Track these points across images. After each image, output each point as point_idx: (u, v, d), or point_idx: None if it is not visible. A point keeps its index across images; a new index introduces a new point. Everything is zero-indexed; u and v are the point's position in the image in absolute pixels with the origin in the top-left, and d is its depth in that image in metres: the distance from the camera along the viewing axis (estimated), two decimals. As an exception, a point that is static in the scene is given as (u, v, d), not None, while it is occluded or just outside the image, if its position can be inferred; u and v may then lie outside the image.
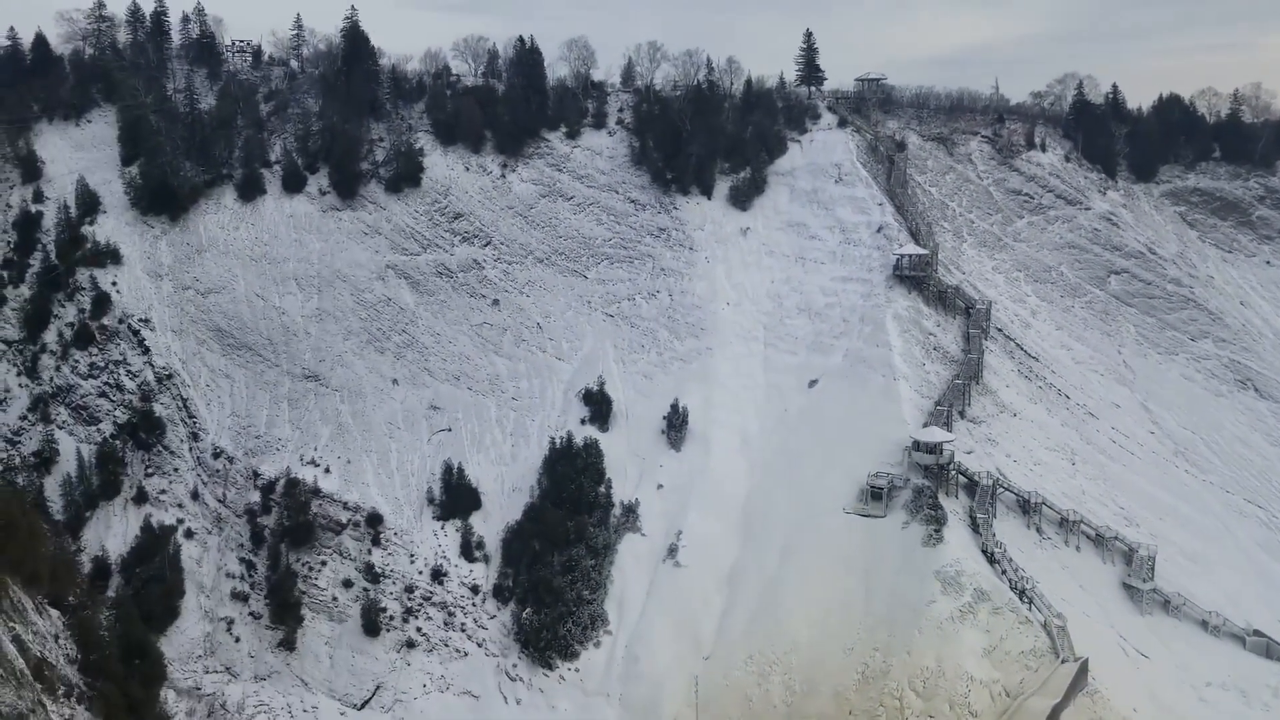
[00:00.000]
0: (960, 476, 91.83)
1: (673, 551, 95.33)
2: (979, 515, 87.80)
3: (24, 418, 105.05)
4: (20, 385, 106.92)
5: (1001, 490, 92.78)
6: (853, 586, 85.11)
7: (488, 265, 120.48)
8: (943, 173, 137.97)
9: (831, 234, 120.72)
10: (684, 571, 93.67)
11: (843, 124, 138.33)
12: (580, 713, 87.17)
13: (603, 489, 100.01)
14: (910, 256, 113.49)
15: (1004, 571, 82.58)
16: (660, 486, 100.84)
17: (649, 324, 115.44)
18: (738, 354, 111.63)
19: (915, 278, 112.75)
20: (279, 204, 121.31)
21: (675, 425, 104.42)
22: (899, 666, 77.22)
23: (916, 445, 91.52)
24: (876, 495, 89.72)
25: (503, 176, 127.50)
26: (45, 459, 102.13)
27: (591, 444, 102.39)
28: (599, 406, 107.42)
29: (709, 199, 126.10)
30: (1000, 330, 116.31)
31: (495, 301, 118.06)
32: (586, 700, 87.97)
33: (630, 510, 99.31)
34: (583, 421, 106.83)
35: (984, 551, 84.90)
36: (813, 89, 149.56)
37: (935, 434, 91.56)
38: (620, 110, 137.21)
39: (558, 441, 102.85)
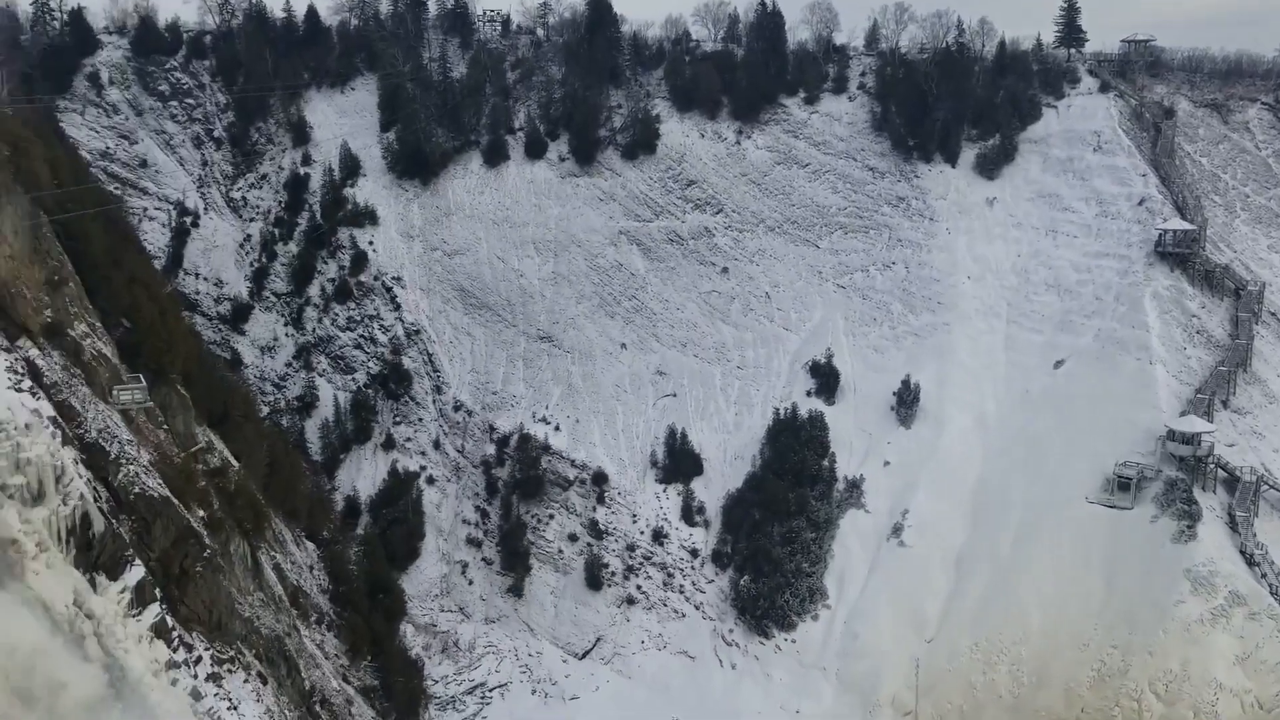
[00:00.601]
0: (1219, 471, 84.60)
1: (898, 530, 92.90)
2: (1238, 513, 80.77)
3: (289, 365, 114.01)
4: (287, 335, 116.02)
5: (1266, 488, 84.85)
6: (1092, 580, 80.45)
7: (718, 233, 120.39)
8: (1215, 142, 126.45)
9: (1086, 206, 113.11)
10: (909, 551, 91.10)
11: (1104, 89, 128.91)
12: (796, 683, 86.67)
13: (826, 463, 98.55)
14: (1174, 232, 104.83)
15: (1264, 575, 75.80)
16: (887, 464, 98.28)
17: (882, 296, 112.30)
18: (977, 330, 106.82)
19: (1179, 255, 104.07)
20: (521, 170, 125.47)
21: (906, 402, 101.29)
22: (1139, 667, 72.55)
23: (1172, 435, 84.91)
24: (1124, 485, 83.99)
25: (737, 143, 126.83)
26: (307, 404, 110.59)
27: (816, 417, 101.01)
28: (826, 379, 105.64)
29: (953, 167, 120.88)
30: (1274, 315, 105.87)
31: (724, 269, 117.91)
32: (803, 672, 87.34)
33: (854, 486, 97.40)
34: (808, 393, 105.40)
35: (1242, 552, 78.26)
36: (1072, 51, 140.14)
37: (1194, 423, 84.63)
38: (862, 74, 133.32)
39: (782, 412, 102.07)
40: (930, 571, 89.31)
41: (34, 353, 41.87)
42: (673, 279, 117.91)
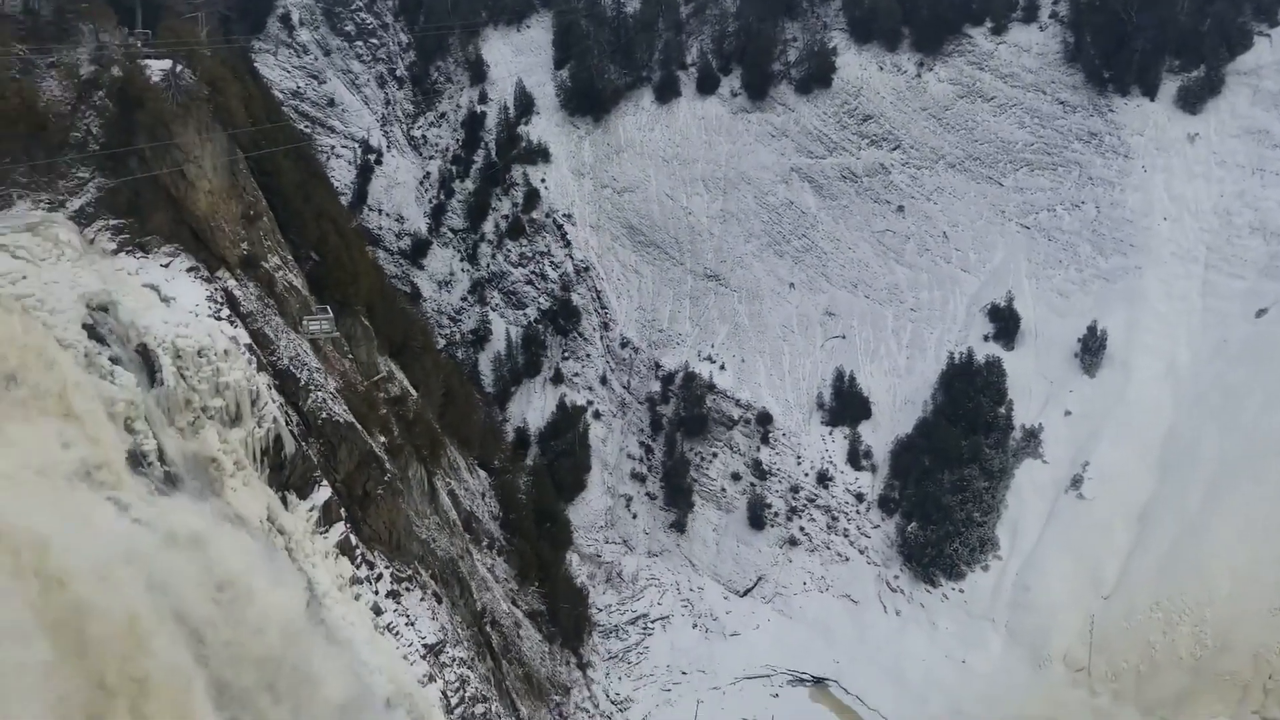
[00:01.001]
0: None
1: (1077, 482, 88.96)
2: None
3: (464, 299, 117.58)
4: (463, 270, 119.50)
5: None
6: (1290, 543, 75.20)
7: (895, 170, 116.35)
8: None
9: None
10: (1088, 505, 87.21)
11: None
12: (962, 633, 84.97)
13: (1003, 410, 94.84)
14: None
15: None
16: (1068, 413, 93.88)
17: (1069, 237, 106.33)
18: (1172, 275, 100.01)
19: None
20: (692, 106, 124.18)
21: (1091, 349, 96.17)
22: (1339, 637, 67.70)
23: (1391, 391, 77.95)
24: (1332, 443, 77.80)
25: (918, 76, 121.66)
26: (480, 337, 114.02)
27: (994, 362, 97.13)
28: (1005, 323, 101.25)
29: (1151, 101, 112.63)
30: None
31: (900, 208, 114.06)
32: (970, 622, 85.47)
33: (1032, 435, 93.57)
34: (985, 338, 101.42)
35: None
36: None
37: None
38: (1054, 2, 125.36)
39: (957, 357, 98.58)
40: (1110, 526, 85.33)
41: (231, 283, 44.33)
42: (845, 217, 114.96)
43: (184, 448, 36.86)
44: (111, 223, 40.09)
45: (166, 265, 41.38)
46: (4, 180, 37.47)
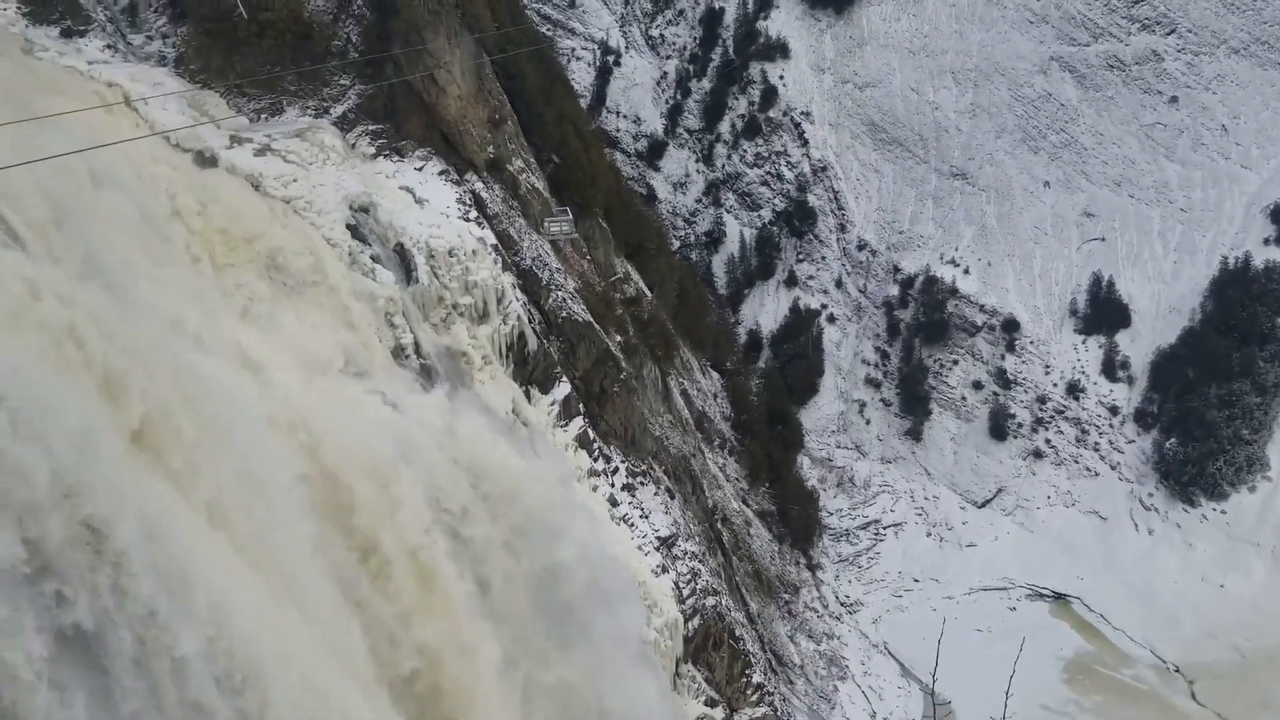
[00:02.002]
0: None
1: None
2: None
3: (699, 200, 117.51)
4: (698, 171, 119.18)
5: None
6: None
7: (1168, 57, 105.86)
8: None
9: None
10: (1381, 426, 78.84)
11: None
12: (1221, 556, 79.76)
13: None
14: None
15: None
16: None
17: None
18: None
19: None
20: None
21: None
22: None
23: None
24: None
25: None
26: (714, 239, 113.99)
27: (1275, 268, 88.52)
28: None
29: None
30: None
31: (1173, 99, 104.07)
32: (1230, 545, 79.98)
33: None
34: (1266, 241, 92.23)
35: None
36: None
37: None
38: None
39: (1231, 261, 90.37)
40: (1406, 451, 76.99)
41: (479, 186, 46.08)
42: (1109, 110, 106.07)
43: (437, 342, 39.07)
44: (370, 128, 42.36)
45: (420, 169, 43.43)
46: (275, 88, 40.21)
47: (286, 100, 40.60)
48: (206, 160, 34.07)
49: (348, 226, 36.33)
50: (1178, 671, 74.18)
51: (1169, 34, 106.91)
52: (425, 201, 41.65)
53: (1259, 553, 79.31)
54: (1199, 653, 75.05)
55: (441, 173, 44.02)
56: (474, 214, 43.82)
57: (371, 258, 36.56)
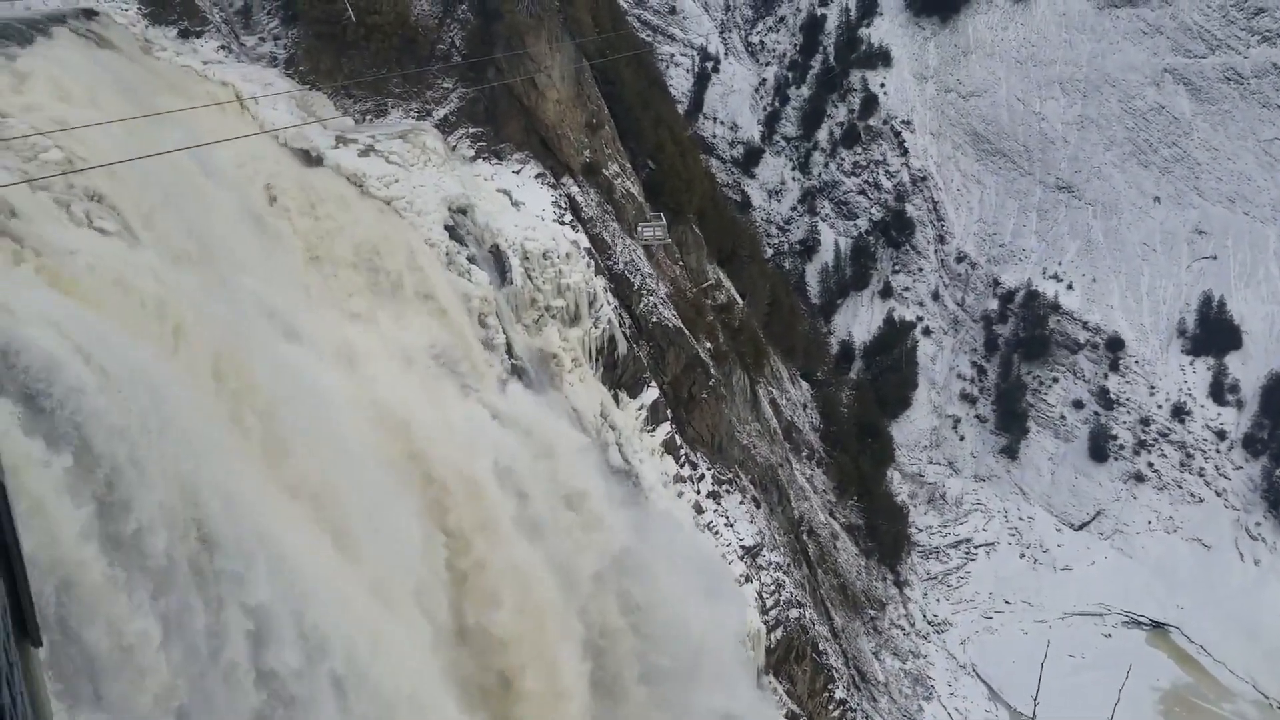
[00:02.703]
0: None
1: None
2: None
3: (794, 208, 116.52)
4: (794, 179, 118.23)
5: None
6: None
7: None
8: None
9: None
10: None
11: None
12: (1335, 595, 75.85)
13: None
14: None
15: None
16: None
17: None
18: None
19: None
20: (1052, 2, 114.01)
21: None
22: None
23: None
24: None
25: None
26: (808, 247, 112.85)
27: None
28: None
29: None
30: None
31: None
32: (1347, 583, 76.07)
33: None
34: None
35: None
36: None
37: None
38: None
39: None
40: None
41: (574, 189, 46.48)
42: (1225, 124, 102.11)
43: (529, 343, 39.54)
44: (470, 130, 43.09)
45: (517, 172, 44.00)
46: (381, 91, 41.20)
47: (391, 102, 41.54)
48: (313, 159, 35.06)
49: (445, 227, 36.97)
50: (1282, 709, 70.99)
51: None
52: (521, 204, 42.18)
53: (1377, 591, 75.50)
54: (1306, 690, 71.69)
55: (538, 176, 44.53)
56: (569, 217, 44.21)
57: (468, 258, 37.14)
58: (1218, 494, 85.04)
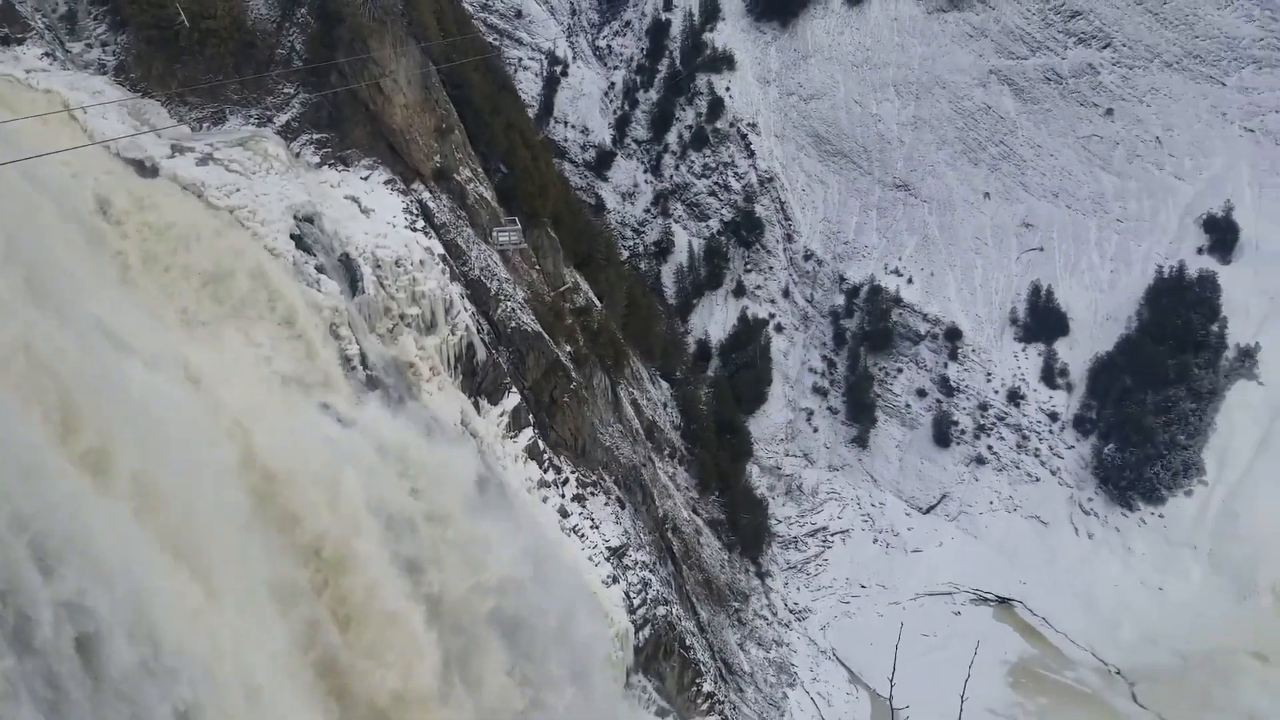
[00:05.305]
0: None
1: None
2: None
3: (648, 210, 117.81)
4: (646, 181, 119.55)
5: None
6: None
7: (1104, 70, 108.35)
8: None
9: None
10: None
11: None
12: (1159, 560, 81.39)
13: (1215, 328, 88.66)
14: None
15: None
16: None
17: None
18: None
19: None
20: (884, 7, 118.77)
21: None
22: None
23: None
24: None
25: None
26: (663, 249, 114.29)
27: (1207, 276, 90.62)
28: (1222, 235, 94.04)
29: None
30: None
31: (1108, 111, 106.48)
32: (1168, 549, 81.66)
33: (1247, 354, 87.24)
34: (1199, 251, 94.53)
35: None
36: None
37: None
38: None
39: (1166, 271, 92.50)
40: (1334, 454, 79.41)
41: (426, 195, 45.85)
42: (1047, 122, 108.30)
43: (384, 353, 38.77)
44: (315, 136, 41.99)
45: (365, 178, 43.11)
46: (218, 97, 39.72)
47: (229, 109, 40.11)
48: (148, 169, 33.54)
49: (292, 236, 35.93)
50: (1119, 674, 75.52)
51: (1104, 48, 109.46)
52: (371, 211, 41.34)
53: (1196, 556, 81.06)
54: (1139, 655, 76.47)
55: (387, 182, 43.73)
56: (421, 224, 43.56)
57: (317, 268, 36.18)
58: (1052, 473, 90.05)
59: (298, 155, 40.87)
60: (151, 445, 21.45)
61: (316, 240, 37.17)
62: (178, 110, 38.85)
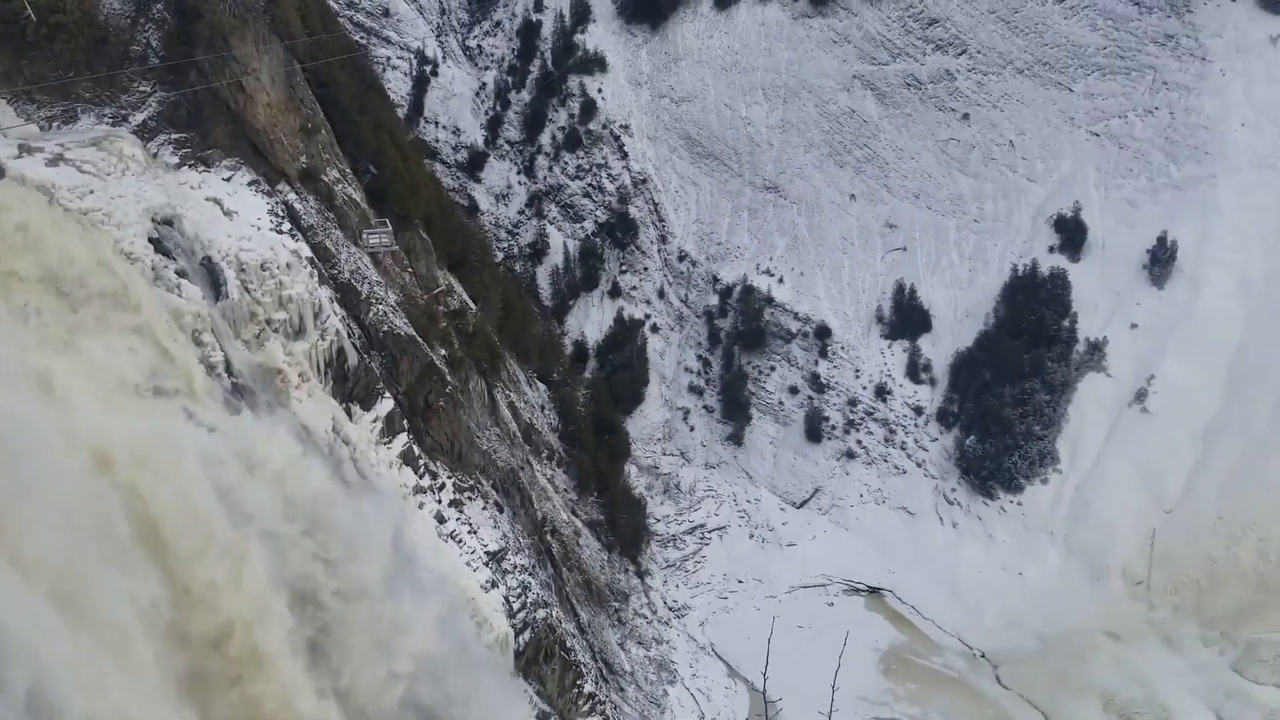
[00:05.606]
0: None
1: (1141, 396, 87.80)
2: None
3: (522, 212, 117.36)
4: (520, 183, 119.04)
5: None
6: (1360, 458, 74.05)
7: (960, 76, 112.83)
8: None
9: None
10: (1152, 419, 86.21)
11: None
12: (1019, 546, 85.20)
13: (1066, 323, 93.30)
14: None
15: None
16: (1134, 326, 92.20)
17: (1141, 145, 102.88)
18: (1248, 184, 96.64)
19: None
20: (751, 12, 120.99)
21: (1160, 260, 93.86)
22: None
23: None
24: None
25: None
26: (538, 250, 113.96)
27: (1059, 274, 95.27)
28: (1071, 234, 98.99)
29: (1232, 0, 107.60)
30: None
31: (965, 116, 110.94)
32: (1027, 535, 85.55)
33: (1096, 348, 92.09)
34: (1051, 249, 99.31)
35: None
36: None
37: None
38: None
39: (1020, 269, 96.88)
40: (1174, 441, 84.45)
41: (292, 197, 44.65)
42: (908, 126, 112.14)
43: (250, 360, 37.59)
44: (174, 136, 40.44)
45: (228, 179, 41.73)
46: (68, 95, 37.89)
47: (81, 107, 38.28)
48: (-10, 170, 31.73)
49: (150, 240, 34.53)
50: (983, 657, 78.75)
51: (960, 54, 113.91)
52: (234, 213, 40.04)
53: (1052, 541, 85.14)
54: (1002, 638, 79.88)
55: (251, 183, 42.42)
56: (287, 226, 42.41)
57: (177, 272, 34.87)
58: (918, 465, 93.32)
59: (155, 156, 39.30)
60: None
61: (177, 244, 35.81)
62: (25, 109, 36.90)
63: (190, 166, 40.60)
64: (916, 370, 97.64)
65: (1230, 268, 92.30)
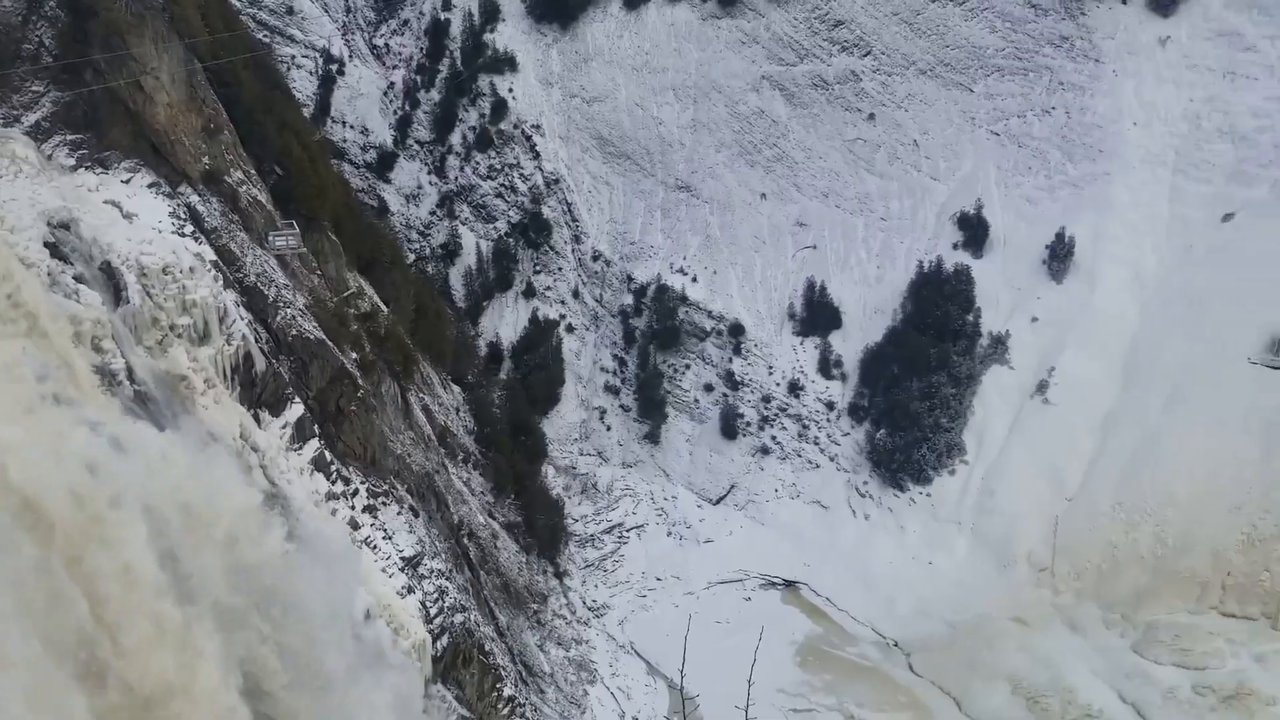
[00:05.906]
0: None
1: (1042, 388, 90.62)
2: None
3: (433, 212, 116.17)
4: (430, 183, 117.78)
5: None
6: (1247, 443, 77.76)
7: (865, 77, 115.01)
8: None
9: (1273, 45, 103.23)
10: (1053, 410, 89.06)
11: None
12: (929, 536, 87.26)
13: (970, 318, 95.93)
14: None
15: None
16: (1035, 320, 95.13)
17: (1039, 144, 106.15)
18: (1140, 181, 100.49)
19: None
20: (661, 12, 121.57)
21: (1059, 255, 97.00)
22: (1295, 533, 70.15)
23: (1353, 294, 79.31)
24: (1293, 347, 79.42)
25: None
26: (450, 251, 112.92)
27: (962, 270, 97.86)
28: (974, 231, 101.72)
29: (1124, 3, 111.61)
30: None
31: (871, 116, 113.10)
32: (936, 526, 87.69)
33: (999, 342, 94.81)
34: (955, 246, 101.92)
35: None
36: None
37: (1380, 283, 78.72)
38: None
39: (926, 266, 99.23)
40: (1074, 431, 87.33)
41: (194, 199, 43.59)
42: (816, 126, 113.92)
43: (153, 366, 36.58)
44: (69, 138, 39.19)
45: (127, 181, 40.58)
46: (-46, 95, 36.45)
47: (-33, 107, 36.86)
48: None
49: (46, 244, 33.40)
50: (896, 646, 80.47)
51: (865, 55, 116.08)
52: (134, 216, 38.95)
53: (960, 530, 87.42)
54: (914, 627, 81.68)
55: (152, 185, 41.31)
56: (190, 229, 41.41)
57: (75, 278, 33.78)
58: (831, 459, 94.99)
59: (50, 158, 38.01)
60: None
61: (74, 248, 34.69)
62: (-95, 108, 35.41)
63: (87, 168, 39.40)
64: (828, 366, 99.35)
65: (1124, 263, 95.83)
